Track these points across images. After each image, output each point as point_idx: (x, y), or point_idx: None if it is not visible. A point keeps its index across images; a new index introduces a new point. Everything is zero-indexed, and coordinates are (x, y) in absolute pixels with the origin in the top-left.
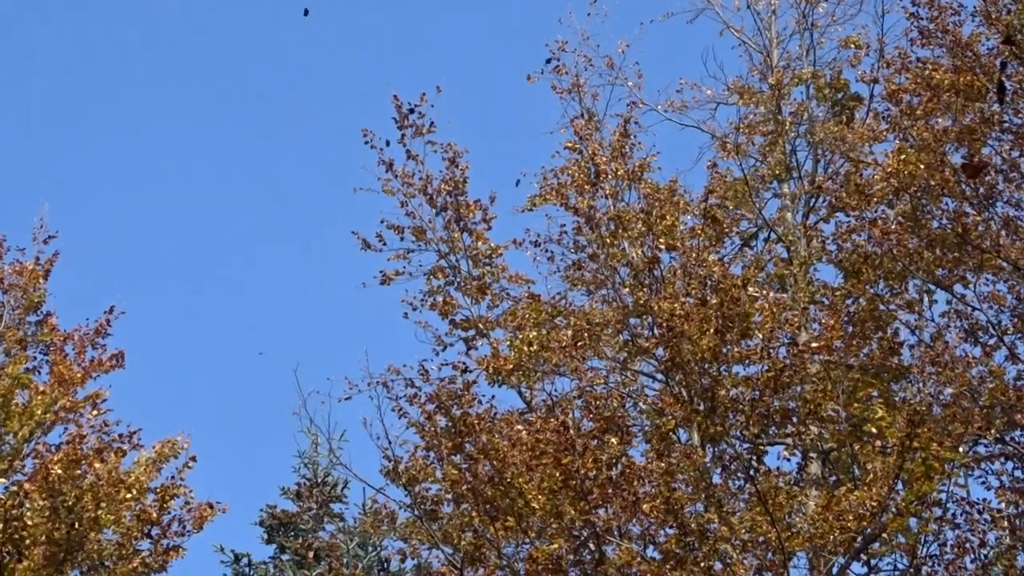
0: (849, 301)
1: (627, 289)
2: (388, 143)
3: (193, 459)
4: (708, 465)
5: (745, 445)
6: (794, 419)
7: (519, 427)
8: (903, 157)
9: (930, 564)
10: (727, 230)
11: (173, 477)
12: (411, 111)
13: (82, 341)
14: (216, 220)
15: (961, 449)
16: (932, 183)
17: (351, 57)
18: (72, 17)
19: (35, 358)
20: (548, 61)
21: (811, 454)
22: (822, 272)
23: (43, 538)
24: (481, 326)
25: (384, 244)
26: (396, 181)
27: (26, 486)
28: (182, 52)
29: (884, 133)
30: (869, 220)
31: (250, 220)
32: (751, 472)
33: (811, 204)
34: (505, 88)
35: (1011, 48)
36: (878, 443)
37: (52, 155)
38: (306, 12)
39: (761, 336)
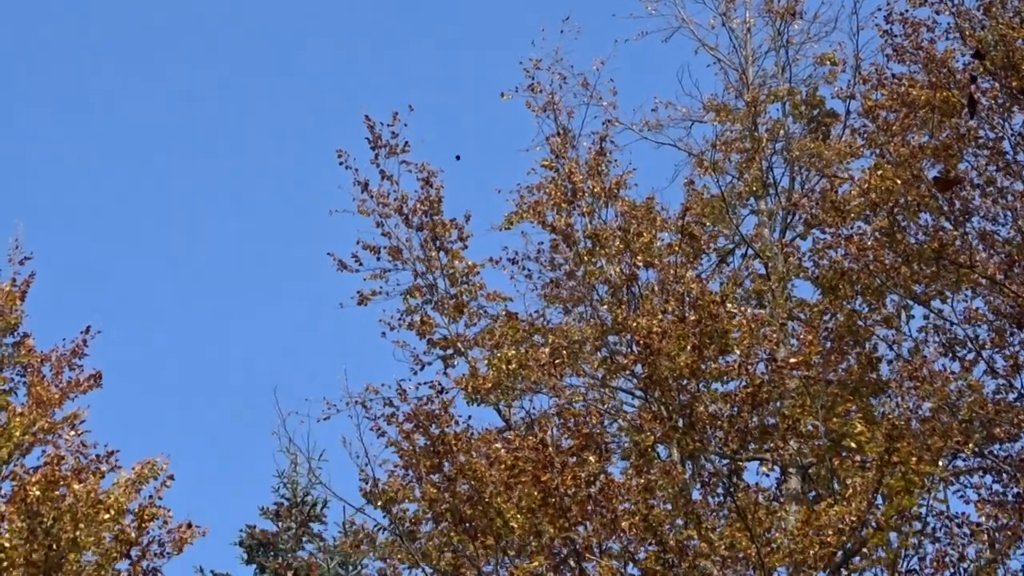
0: (827, 317)
1: (605, 306)
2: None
3: (171, 478)
4: (687, 481)
5: (724, 461)
6: (773, 435)
7: (497, 446)
8: (880, 173)
9: None
10: (704, 247)
11: (151, 497)
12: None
13: (59, 362)
14: (193, 240)
15: (940, 463)
16: (909, 199)
17: (325, 76)
18: None
19: (12, 380)
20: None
21: (790, 469)
22: (800, 289)
23: (21, 560)
24: (459, 345)
25: (360, 264)
26: (371, 201)
27: (4, 508)
28: (160, 68)
29: (861, 149)
30: (845, 236)
31: (228, 241)
32: (730, 488)
33: (788, 221)
34: (480, 105)
35: (982, 62)
36: (857, 458)
37: (26, 171)
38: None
39: (739, 352)
